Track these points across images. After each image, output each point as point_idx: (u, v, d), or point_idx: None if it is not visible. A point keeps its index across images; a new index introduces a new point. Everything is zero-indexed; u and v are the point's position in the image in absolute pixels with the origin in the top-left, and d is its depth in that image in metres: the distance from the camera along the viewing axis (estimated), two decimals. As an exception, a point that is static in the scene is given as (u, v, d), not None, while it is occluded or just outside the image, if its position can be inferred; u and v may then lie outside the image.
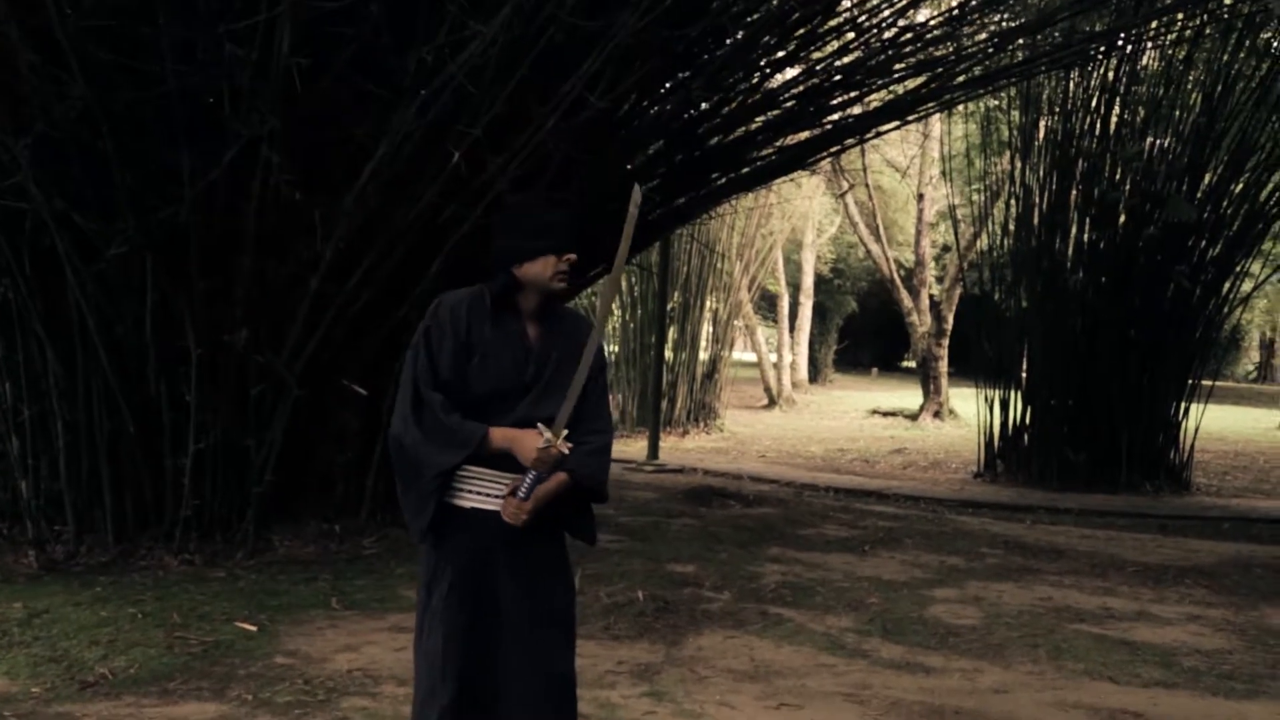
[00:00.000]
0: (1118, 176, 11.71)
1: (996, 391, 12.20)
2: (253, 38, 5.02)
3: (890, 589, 6.30)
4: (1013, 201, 12.25)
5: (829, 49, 8.23)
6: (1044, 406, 11.96)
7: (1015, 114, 12.34)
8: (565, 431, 2.62)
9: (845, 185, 19.34)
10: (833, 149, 9.75)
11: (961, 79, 9.20)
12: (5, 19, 4.77)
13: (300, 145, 5.62)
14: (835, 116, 8.98)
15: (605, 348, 11.38)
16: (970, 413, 12.68)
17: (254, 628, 4.86)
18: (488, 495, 2.66)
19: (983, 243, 13.78)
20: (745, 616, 5.53)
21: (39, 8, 4.69)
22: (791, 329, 23.74)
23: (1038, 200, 12.07)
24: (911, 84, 9.11)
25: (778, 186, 18.47)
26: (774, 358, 23.26)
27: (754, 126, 8.49)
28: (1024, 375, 12.27)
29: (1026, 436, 12.10)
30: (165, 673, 4.21)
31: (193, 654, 4.45)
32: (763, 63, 7.70)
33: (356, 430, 6.65)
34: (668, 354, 16.27)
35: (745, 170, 8.97)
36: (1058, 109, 12.01)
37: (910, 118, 9.94)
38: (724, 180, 9.04)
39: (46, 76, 4.97)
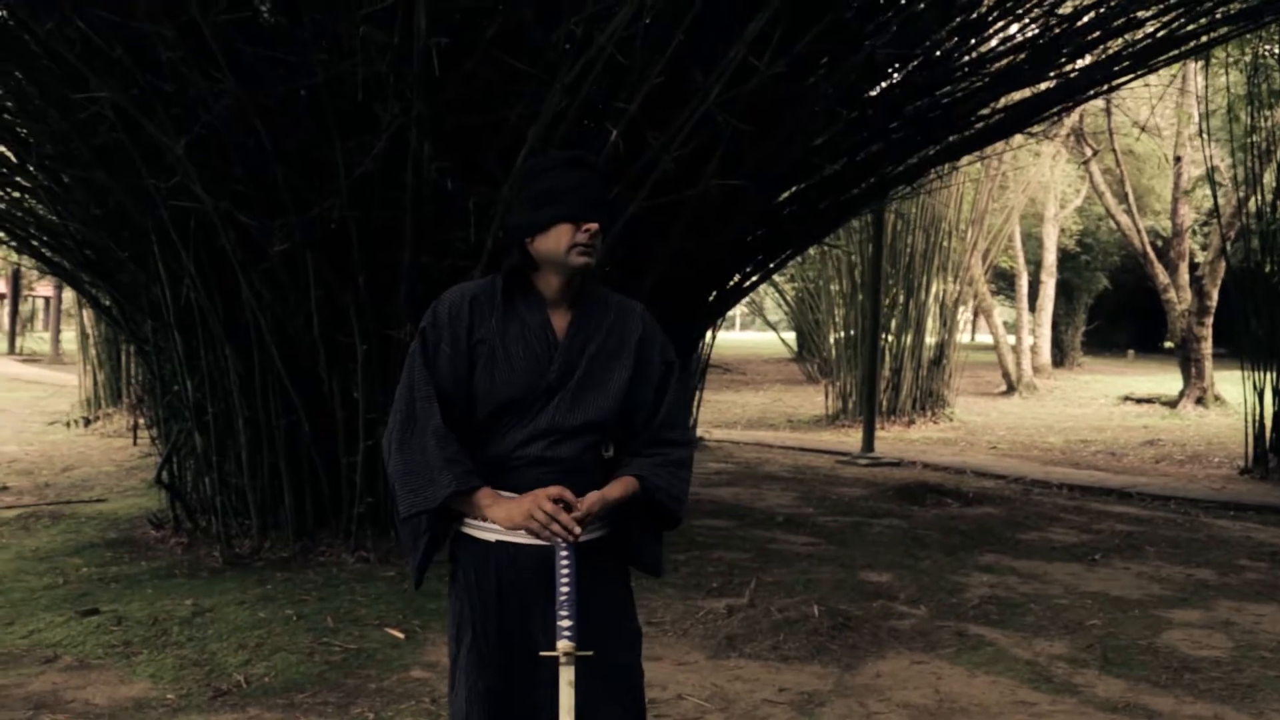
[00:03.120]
0: None
1: (1268, 375, 10.71)
2: (392, 21, 4.82)
3: (1118, 608, 5.47)
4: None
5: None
6: (1326, 392, 10.40)
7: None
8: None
9: (1089, 151, 17.78)
10: (1057, 108, 8.73)
11: (1216, 15, 8.01)
12: (158, 18, 4.76)
13: (451, 132, 5.41)
14: (1059, 71, 8.03)
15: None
16: (1239, 400, 11.19)
17: (402, 635, 4.68)
18: None
19: (1251, 208, 12.16)
20: (939, 637, 4.89)
21: (183, 4, 4.65)
22: (1032, 309, 22.09)
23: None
24: (1152, 27, 8.01)
25: (1012, 155, 17.18)
26: (1012, 340, 21.73)
27: (960, 88, 7.67)
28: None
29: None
30: (298, 682, 4.07)
31: (331, 663, 4.30)
32: (961, 16, 6.89)
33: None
34: (889, 339, 15.39)
35: (953, 138, 8.16)
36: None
37: (1153, 64, 8.77)
38: (931, 150, 8.27)
39: (198, 73, 4.96)
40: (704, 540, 6.89)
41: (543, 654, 2.06)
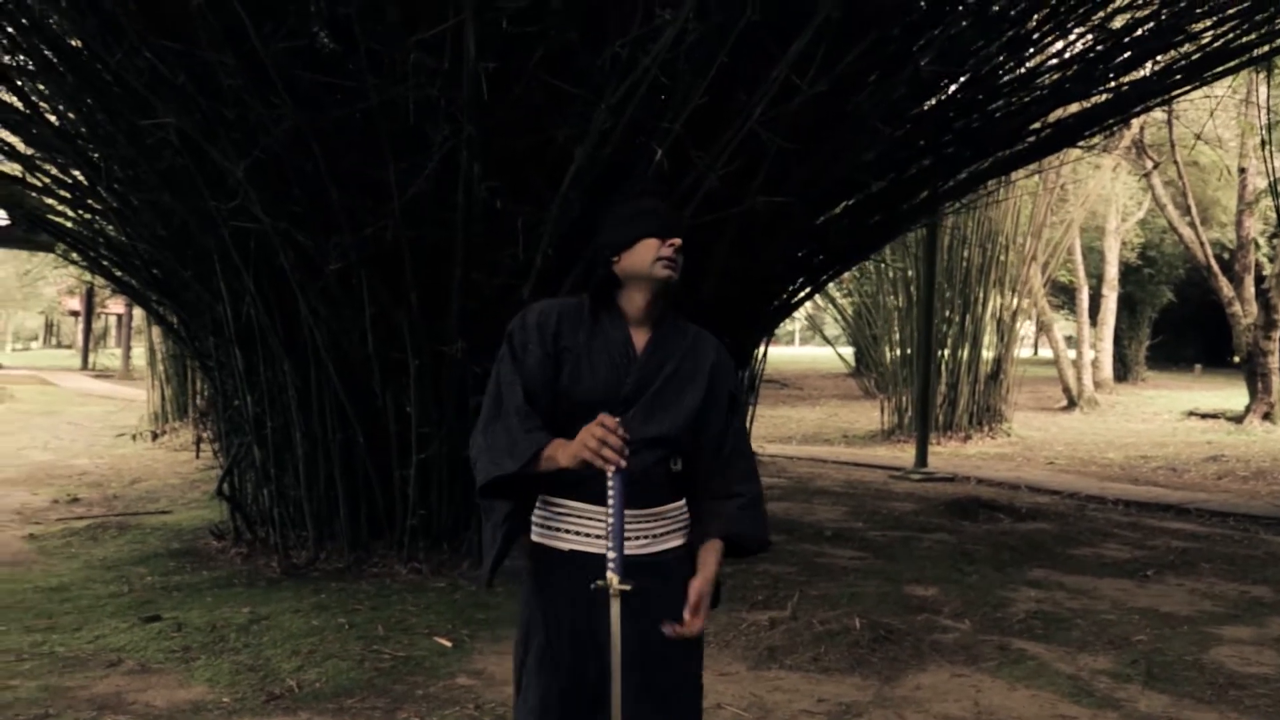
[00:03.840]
0: None
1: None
2: (441, 46, 4.98)
3: (1167, 624, 5.43)
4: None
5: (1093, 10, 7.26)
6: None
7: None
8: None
9: (1149, 164, 17.54)
10: (1110, 122, 8.66)
11: (1276, 25, 7.91)
12: (220, 47, 4.97)
13: (500, 153, 5.55)
14: (1110, 85, 7.98)
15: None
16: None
17: (450, 644, 4.80)
18: (592, 536, 2.23)
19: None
20: (981, 651, 4.89)
21: (244, 35, 4.85)
22: (1094, 323, 21.77)
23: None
24: (1206, 40, 7.93)
25: (1070, 168, 17.02)
26: (1073, 355, 21.43)
27: (1010, 103, 7.66)
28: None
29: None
30: (348, 688, 4.20)
31: (381, 669, 4.43)
32: (1010, 31, 6.90)
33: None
34: (945, 354, 15.28)
35: (1004, 153, 8.14)
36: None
37: (1208, 76, 8.67)
38: (982, 165, 8.26)
39: (258, 100, 5.16)
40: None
41: (594, 585, 2.13)
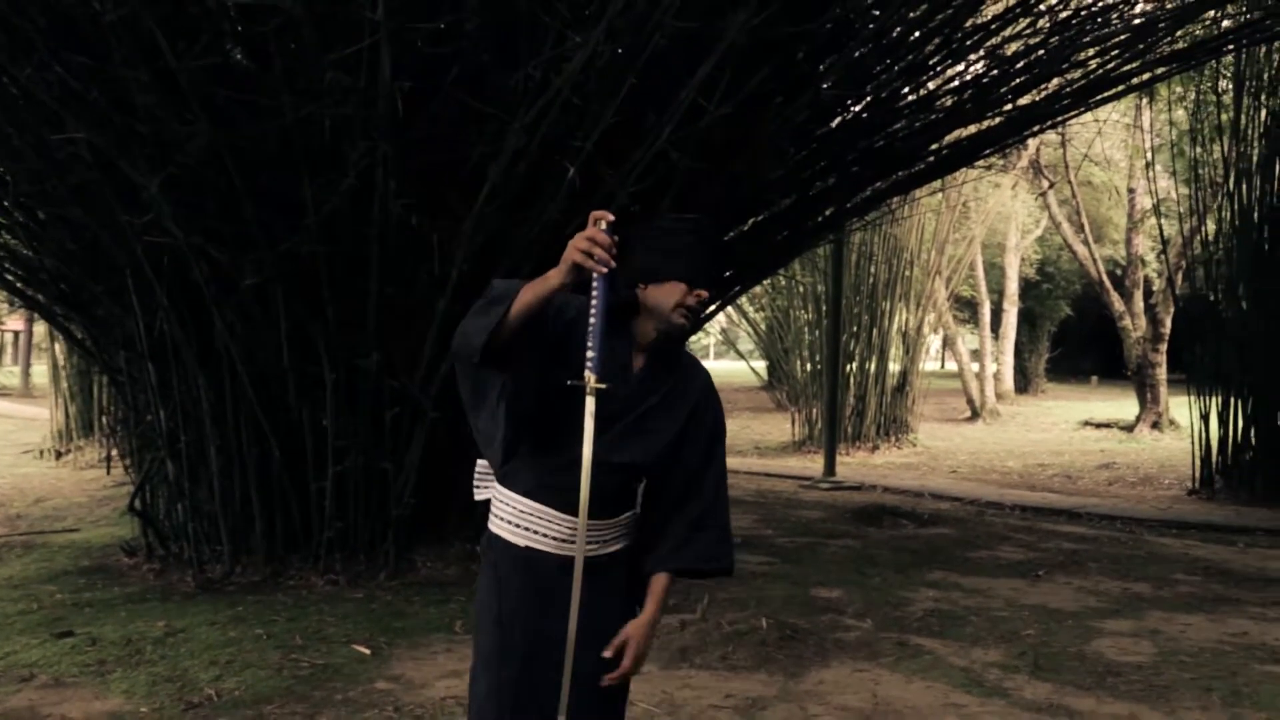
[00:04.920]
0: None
1: (1213, 400, 11.09)
2: (358, 65, 5.09)
3: (1054, 619, 5.75)
4: (1229, 193, 11.13)
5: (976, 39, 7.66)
6: (1270, 415, 10.77)
7: (1228, 96, 11.24)
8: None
9: (1045, 184, 18.27)
10: (1004, 143, 9.10)
11: (1150, 57, 8.42)
12: (135, 64, 5.01)
13: (415, 170, 5.67)
14: (1003, 109, 8.40)
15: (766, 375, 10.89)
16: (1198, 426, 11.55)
17: (368, 651, 4.89)
18: (548, 538, 2.34)
19: (1198, 240, 12.60)
20: (881, 647, 5.14)
21: (159, 51, 4.90)
22: (995, 337, 22.54)
23: (1259, 190, 10.93)
24: (1093, 67, 8.39)
25: (972, 186, 17.64)
26: (977, 368, 22.15)
27: (911, 124, 8.02)
28: (1246, 382, 11.06)
29: (1251, 450, 10.93)
30: (267, 695, 4.26)
31: (300, 677, 4.50)
32: (909, 57, 7.24)
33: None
34: (853, 367, 15.71)
35: (903, 173, 8.51)
36: (1276, 86, 10.84)
37: (1094, 101, 9.16)
38: (883, 184, 8.61)
39: (173, 116, 5.20)
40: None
41: (570, 382, 2.20)
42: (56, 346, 13.53)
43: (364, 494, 6.36)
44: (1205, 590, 6.61)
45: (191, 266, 5.81)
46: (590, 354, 2.19)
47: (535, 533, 2.35)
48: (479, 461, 2.51)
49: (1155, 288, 18.64)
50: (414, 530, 6.56)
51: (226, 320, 5.95)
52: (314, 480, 6.28)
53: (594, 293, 2.16)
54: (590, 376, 2.18)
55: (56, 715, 4.02)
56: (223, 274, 5.84)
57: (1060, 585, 6.69)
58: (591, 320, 2.18)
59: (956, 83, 8.59)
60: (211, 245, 5.67)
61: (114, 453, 11.03)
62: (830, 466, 12.12)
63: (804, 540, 8.10)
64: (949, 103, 8.18)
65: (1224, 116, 11.42)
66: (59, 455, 12.98)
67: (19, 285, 7.29)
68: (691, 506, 2.42)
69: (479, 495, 2.52)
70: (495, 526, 2.43)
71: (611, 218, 2.15)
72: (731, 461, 13.14)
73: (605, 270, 2.12)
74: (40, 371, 23.32)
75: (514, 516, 2.39)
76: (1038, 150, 18.53)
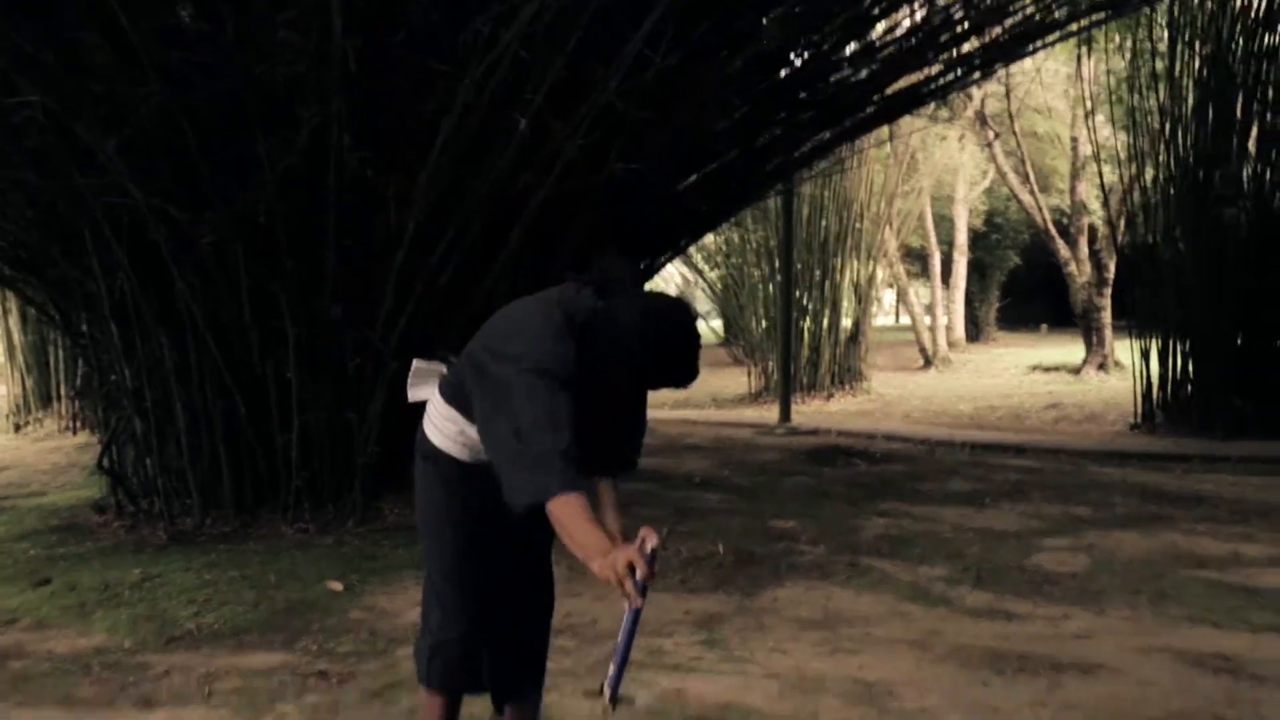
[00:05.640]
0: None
1: (1153, 340, 11.49)
2: (309, 24, 5.20)
3: (997, 539, 6.05)
4: (1167, 138, 11.46)
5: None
6: (1206, 352, 11.18)
7: (1164, 45, 11.54)
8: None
9: (990, 134, 18.59)
10: (947, 90, 9.33)
11: (1085, 4, 8.69)
12: (85, 23, 5.09)
13: (369, 126, 5.79)
14: (942, 57, 8.63)
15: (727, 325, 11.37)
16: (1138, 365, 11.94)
17: (341, 587, 5.08)
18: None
19: (1140, 185, 12.96)
20: (833, 568, 5.41)
21: (111, 13, 4.98)
22: (946, 287, 22.96)
23: (1194, 136, 11.27)
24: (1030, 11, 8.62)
25: (919, 137, 17.92)
26: (929, 320, 22.57)
27: (854, 74, 8.23)
28: (1184, 321, 11.45)
29: (1190, 384, 11.34)
30: (245, 627, 4.45)
31: (276, 611, 4.69)
32: (846, 9, 7.44)
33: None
34: (807, 318, 16.01)
35: (849, 122, 8.73)
36: (1208, 34, 11.15)
37: (1032, 48, 9.42)
38: (828, 134, 8.82)
39: (126, 78, 5.29)
40: (624, 501, 7.30)
41: (584, 692, 2.44)
42: (10, 320, 13.46)
43: (329, 445, 6.52)
44: (1141, 511, 6.94)
45: (150, 227, 5.91)
46: (611, 671, 2.20)
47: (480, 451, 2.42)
48: (416, 361, 2.68)
49: (1100, 234, 19.09)
50: (380, 479, 6.73)
51: (187, 279, 6.07)
52: (280, 433, 6.42)
53: (625, 620, 2.15)
54: (606, 692, 2.19)
55: (43, 651, 4.19)
56: (181, 234, 5.94)
57: (1005, 511, 7.00)
58: (619, 641, 2.18)
59: (898, 32, 8.81)
60: (169, 205, 5.77)
61: (77, 415, 11.08)
62: (785, 413, 12.40)
63: (760, 480, 8.36)
64: (891, 52, 8.40)
65: (1159, 64, 11.73)
66: (17, 428, 12.97)
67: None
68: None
69: (414, 396, 2.68)
70: (442, 445, 2.54)
71: (656, 543, 2.17)
72: (689, 413, 13.40)
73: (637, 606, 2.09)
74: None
75: (461, 439, 2.51)
76: (983, 102, 18.84)
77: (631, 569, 2.04)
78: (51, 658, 4.11)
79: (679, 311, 2.33)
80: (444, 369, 2.63)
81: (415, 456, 2.63)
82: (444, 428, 2.56)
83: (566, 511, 2.12)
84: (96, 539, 6.37)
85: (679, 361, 2.30)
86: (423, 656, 2.64)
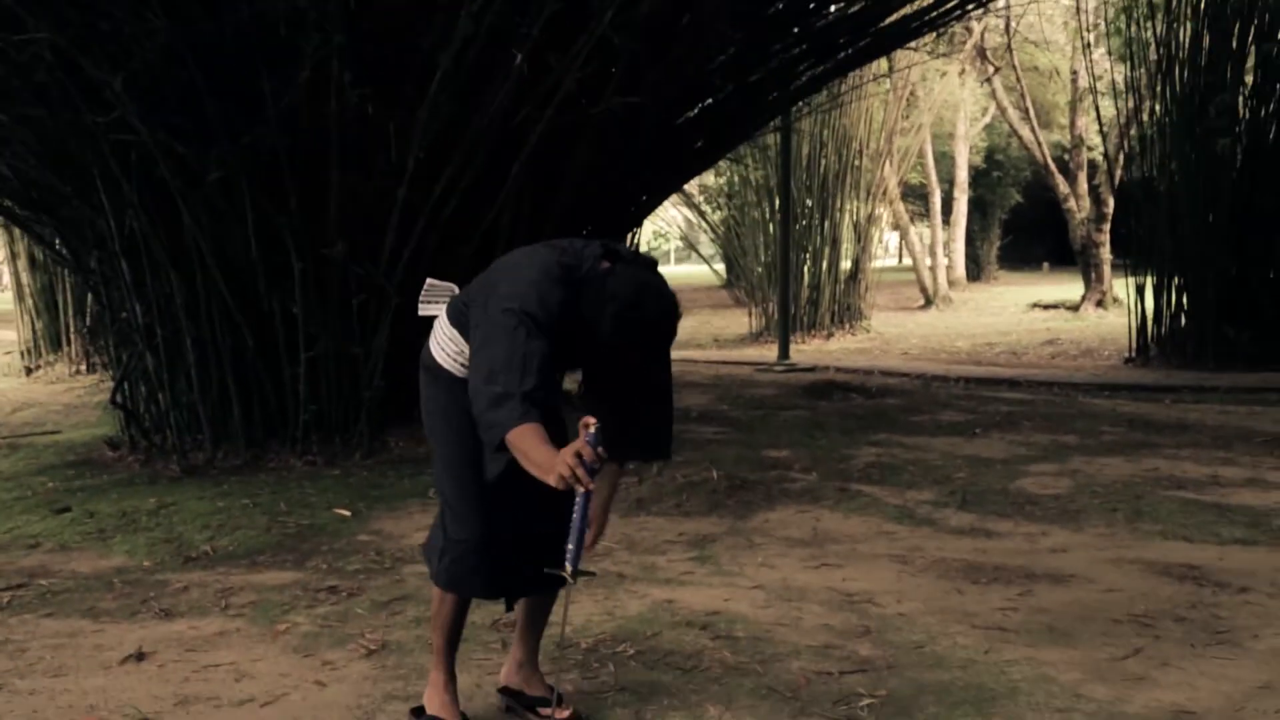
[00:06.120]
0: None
1: (1148, 275, 11.60)
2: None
3: (984, 466, 6.23)
4: (1164, 72, 11.47)
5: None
6: (1199, 284, 11.30)
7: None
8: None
9: (990, 69, 18.52)
10: (945, 18, 9.35)
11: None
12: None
13: (369, 61, 5.89)
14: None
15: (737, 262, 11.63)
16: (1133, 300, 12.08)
17: (349, 513, 5.28)
18: None
19: (1138, 118, 12.97)
20: (823, 494, 5.60)
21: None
22: (947, 225, 22.99)
23: (1187, 65, 11.28)
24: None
25: (920, 72, 17.85)
26: (930, 261, 22.63)
27: (845, 5, 8.27)
28: (1179, 254, 11.55)
29: (1184, 317, 11.48)
30: (258, 549, 4.66)
31: (287, 534, 4.90)
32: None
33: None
34: (807, 257, 16.10)
35: (846, 53, 8.77)
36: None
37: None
38: (823, 67, 8.88)
39: (132, 14, 5.38)
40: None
41: (546, 570, 2.49)
42: (18, 265, 13.59)
43: (336, 379, 6.69)
44: (1127, 438, 7.12)
45: (157, 163, 6.03)
46: (569, 547, 2.38)
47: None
48: (429, 281, 2.83)
49: (1099, 170, 19.09)
50: (385, 412, 6.91)
51: (194, 215, 6.20)
52: (287, 367, 6.60)
53: (577, 501, 2.35)
54: (568, 568, 2.39)
55: (67, 570, 4.40)
56: (188, 170, 6.07)
57: (994, 440, 7.18)
58: (575, 521, 2.37)
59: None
60: (176, 141, 5.89)
61: (88, 356, 11.25)
62: (784, 350, 12.56)
63: (756, 413, 8.54)
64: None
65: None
66: (29, 371, 13.16)
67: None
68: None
69: (424, 311, 2.83)
70: (445, 364, 2.67)
71: (597, 423, 2.29)
72: (690, 353, 13.57)
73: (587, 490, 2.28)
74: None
75: (462, 359, 2.62)
76: (982, 35, 18.75)
77: (581, 458, 2.22)
78: (75, 576, 4.32)
79: (667, 300, 2.50)
80: (455, 288, 2.77)
81: (419, 369, 2.78)
82: (447, 348, 2.70)
83: (522, 437, 2.30)
84: (112, 472, 6.58)
85: (645, 339, 2.49)
86: (434, 556, 2.79)
